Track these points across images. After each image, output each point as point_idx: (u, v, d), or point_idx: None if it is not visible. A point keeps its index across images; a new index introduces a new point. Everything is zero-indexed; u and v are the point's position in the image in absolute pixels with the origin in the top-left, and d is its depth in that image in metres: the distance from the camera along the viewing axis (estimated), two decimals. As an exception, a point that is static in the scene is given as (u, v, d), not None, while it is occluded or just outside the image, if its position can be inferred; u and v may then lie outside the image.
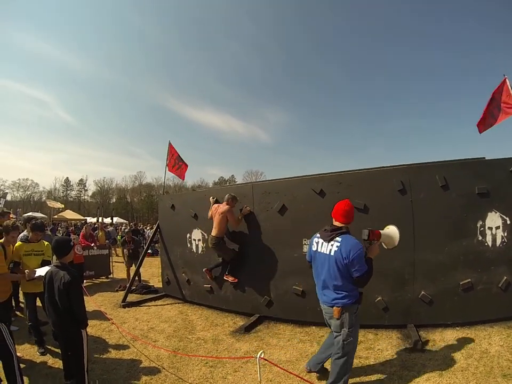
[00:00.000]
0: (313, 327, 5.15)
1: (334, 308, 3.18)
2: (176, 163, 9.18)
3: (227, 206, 5.63)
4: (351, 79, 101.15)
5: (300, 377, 3.25)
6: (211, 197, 6.26)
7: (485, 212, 4.82)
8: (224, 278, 5.91)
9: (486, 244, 4.81)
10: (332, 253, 3.14)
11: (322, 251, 3.27)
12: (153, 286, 8.42)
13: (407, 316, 4.87)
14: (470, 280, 4.73)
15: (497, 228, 4.81)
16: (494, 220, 4.81)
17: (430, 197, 4.85)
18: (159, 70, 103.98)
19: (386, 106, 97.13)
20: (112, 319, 5.38)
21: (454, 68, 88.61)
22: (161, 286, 8.02)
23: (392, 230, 3.66)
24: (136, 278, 8.28)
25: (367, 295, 4.83)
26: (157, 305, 6.93)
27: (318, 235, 3.39)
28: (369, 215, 4.99)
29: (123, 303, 6.85)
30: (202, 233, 6.60)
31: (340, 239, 3.15)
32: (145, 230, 23.50)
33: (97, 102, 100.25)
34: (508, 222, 4.80)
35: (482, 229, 4.80)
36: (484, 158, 5.20)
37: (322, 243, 3.29)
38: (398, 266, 4.84)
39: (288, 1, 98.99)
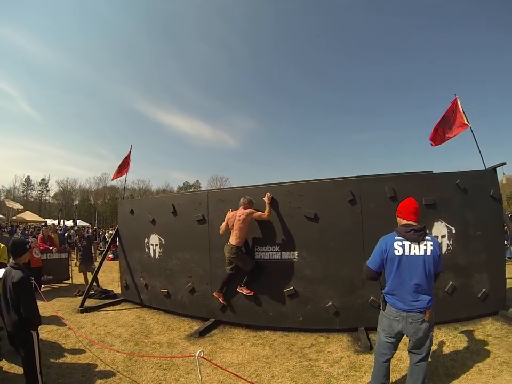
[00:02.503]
0: (267, 331, 5.40)
1: (427, 310, 3.04)
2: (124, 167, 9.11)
3: (248, 209, 5.40)
4: (319, 90, 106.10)
5: (247, 380, 3.41)
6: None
7: (431, 222, 5.24)
8: (238, 290, 5.59)
9: (433, 251, 5.22)
10: (429, 253, 3.02)
11: (413, 253, 3.04)
12: (112, 291, 8.40)
13: (358, 320, 5.17)
14: (417, 285, 5.12)
15: (443, 236, 5.24)
16: (440, 229, 5.24)
17: (379, 207, 5.20)
18: (128, 70, 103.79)
19: (355, 118, 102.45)
20: (68, 324, 5.41)
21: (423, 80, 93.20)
22: (120, 291, 8.07)
23: None
24: (95, 284, 8.27)
25: (318, 301, 5.17)
26: (115, 310, 6.99)
27: (401, 238, 3.10)
28: (319, 224, 5.30)
29: (81, 308, 6.85)
30: (159, 238, 6.76)
31: (429, 237, 3.12)
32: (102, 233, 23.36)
33: (64, 99, 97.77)
34: (453, 231, 5.25)
35: None
36: (432, 171, 5.68)
37: (410, 245, 3.05)
38: (348, 273, 5.15)
39: (265, 12, 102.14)
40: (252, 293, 5.54)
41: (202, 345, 4.94)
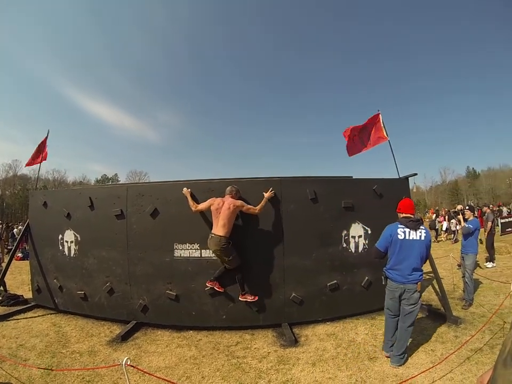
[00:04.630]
0: (191, 332, 5.47)
1: (419, 283, 4.10)
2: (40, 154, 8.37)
3: (239, 200, 5.22)
4: (252, 90, 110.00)
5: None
6: (186, 188, 5.56)
7: (349, 223, 5.79)
8: (240, 299, 5.35)
9: (350, 250, 5.80)
10: (423, 238, 4.15)
11: (411, 238, 4.13)
12: (22, 295, 7.74)
13: (281, 315, 5.53)
14: (336, 281, 5.64)
15: (360, 236, 5.85)
16: (357, 229, 5.84)
17: (300, 208, 5.59)
18: (51, 44, 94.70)
19: (285, 121, 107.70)
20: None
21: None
22: (31, 296, 7.45)
23: None
24: (1, 288, 7.68)
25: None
26: (26, 318, 6.46)
27: (402, 226, 4.19)
28: (240, 222, 5.46)
29: (-14, 319, 6.24)
30: (74, 234, 6.36)
31: (423, 227, 4.24)
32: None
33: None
34: (369, 232, 5.89)
35: (346, 237, 5.78)
36: (351, 177, 6.27)
37: (409, 231, 4.15)
38: (269, 271, 5.47)
39: (208, 7, 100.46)
40: (256, 298, 5.38)
41: (125, 350, 4.84)
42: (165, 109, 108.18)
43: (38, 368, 4.26)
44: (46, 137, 8.40)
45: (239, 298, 5.36)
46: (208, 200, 5.31)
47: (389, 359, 4.23)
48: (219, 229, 5.06)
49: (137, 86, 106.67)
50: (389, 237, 4.22)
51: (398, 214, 4.48)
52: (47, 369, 4.19)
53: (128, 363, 3.02)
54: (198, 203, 5.43)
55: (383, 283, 4.46)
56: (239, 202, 5.18)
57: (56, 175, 71.67)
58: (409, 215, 4.32)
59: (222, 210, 5.10)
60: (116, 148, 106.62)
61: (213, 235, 5.08)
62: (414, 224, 4.18)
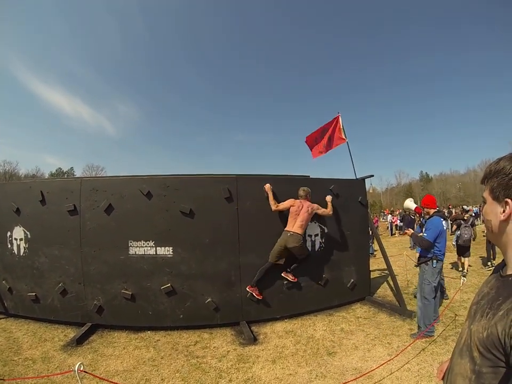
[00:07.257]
0: (148, 332, 5.41)
1: None
2: None
3: (315, 204, 5.69)
4: (213, 89, 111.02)
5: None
6: (269, 185, 5.70)
7: None
8: (283, 275, 5.70)
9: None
10: (447, 226, 5.54)
11: (446, 227, 5.25)
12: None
13: (238, 314, 5.61)
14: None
15: (316, 235, 6.08)
16: (313, 228, 6.07)
17: (255, 206, 5.69)
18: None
19: (239, 119, 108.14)
20: None
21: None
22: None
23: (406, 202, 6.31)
24: None
25: (197, 297, 5.44)
26: (-28, 324, 6.04)
27: (441, 219, 5.16)
28: (195, 219, 5.49)
29: None
30: (24, 231, 5.98)
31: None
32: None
33: None
34: (326, 231, 6.12)
35: (303, 236, 5.81)
36: (309, 176, 6.44)
37: (444, 222, 5.18)
38: (224, 269, 5.51)
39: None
40: (296, 279, 5.75)
41: (81, 355, 4.63)
42: (125, 102, 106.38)
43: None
44: None
45: (246, 289, 5.51)
46: (288, 201, 5.63)
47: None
48: (297, 228, 5.49)
49: (97, 75, 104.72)
50: (439, 229, 5.06)
51: (425, 209, 5.41)
52: (-2, 379, 4.00)
53: (81, 369, 2.93)
54: (150, 200, 5.48)
55: (434, 266, 5.04)
56: (315, 205, 5.69)
57: (7, 166, 67.33)
58: (432, 209, 5.36)
59: (301, 212, 5.54)
60: (73, 140, 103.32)
61: (292, 233, 5.46)
62: (444, 217, 5.40)
